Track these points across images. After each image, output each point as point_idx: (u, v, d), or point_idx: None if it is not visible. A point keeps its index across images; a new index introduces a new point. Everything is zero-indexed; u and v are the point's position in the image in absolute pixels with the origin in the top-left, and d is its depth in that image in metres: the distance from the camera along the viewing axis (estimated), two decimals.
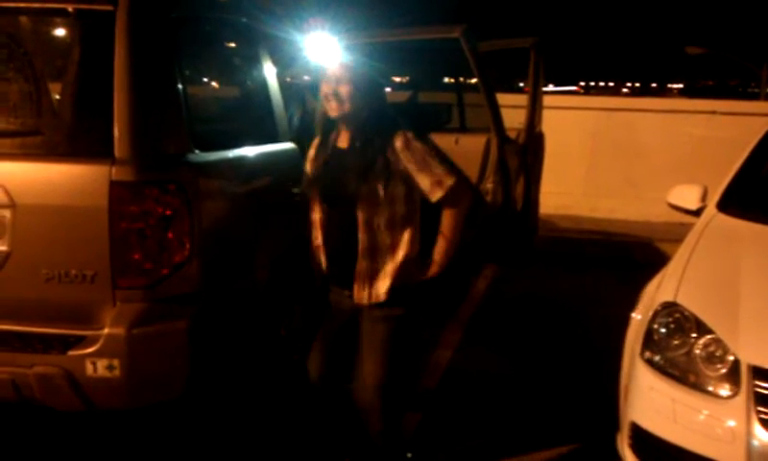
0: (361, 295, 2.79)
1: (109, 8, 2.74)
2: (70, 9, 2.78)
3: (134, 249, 2.67)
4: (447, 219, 2.79)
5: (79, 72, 2.80)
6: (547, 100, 6.82)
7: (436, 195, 2.72)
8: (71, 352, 2.64)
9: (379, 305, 2.79)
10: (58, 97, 2.85)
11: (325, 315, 3.01)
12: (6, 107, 2.79)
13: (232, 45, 3.76)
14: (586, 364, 4.36)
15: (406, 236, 2.78)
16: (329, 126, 2.86)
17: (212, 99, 3.62)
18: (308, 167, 2.95)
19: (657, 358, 2.82)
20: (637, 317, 3.18)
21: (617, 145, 8.53)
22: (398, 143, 2.70)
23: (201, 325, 2.80)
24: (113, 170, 2.63)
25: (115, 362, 2.62)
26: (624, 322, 3.26)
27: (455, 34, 5.01)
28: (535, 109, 6.06)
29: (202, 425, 3.44)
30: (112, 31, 2.71)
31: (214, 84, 3.71)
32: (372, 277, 2.78)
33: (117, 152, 2.65)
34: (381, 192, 2.69)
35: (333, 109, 2.73)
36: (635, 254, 6.97)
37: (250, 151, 3.38)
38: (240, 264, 3.19)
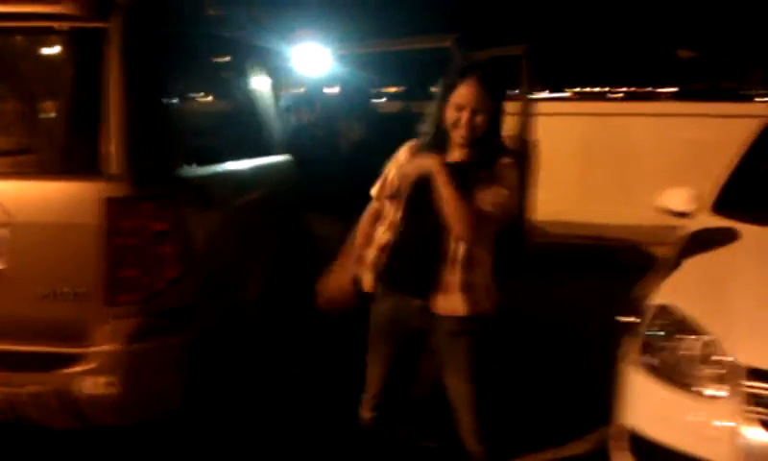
0: (441, 307, 2.64)
1: (101, 25, 2.75)
2: (62, 27, 2.79)
3: (129, 264, 2.68)
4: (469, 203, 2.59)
5: (71, 90, 2.81)
6: (541, 107, 6.83)
7: (486, 204, 2.58)
8: (66, 371, 2.64)
9: (460, 319, 2.65)
10: (51, 115, 2.87)
11: (376, 335, 2.83)
12: (0, 126, 2.80)
13: (225, 59, 3.78)
14: (579, 368, 4.37)
15: (488, 250, 2.69)
16: (442, 145, 2.68)
17: (205, 113, 3.63)
18: (394, 172, 2.76)
19: (651, 360, 2.83)
20: (630, 319, 3.19)
21: (610, 150, 8.54)
22: (506, 160, 2.62)
23: (196, 339, 2.81)
24: (107, 186, 2.65)
25: (111, 379, 2.63)
26: (617, 324, 3.27)
27: (446, 43, 5.05)
28: (526, 117, 6.09)
29: (200, 439, 3.44)
30: (104, 48, 2.73)
31: (207, 98, 3.72)
32: (460, 289, 2.62)
33: (111, 168, 2.66)
34: (480, 207, 2.55)
35: (462, 137, 2.58)
36: (627, 258, 6.98)
37: (243, 164, 3.39)
38: (235, 277, 3.20)
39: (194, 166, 2.96)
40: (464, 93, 2.56)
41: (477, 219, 2.55)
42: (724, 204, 3.65)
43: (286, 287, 3.53)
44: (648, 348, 2.88)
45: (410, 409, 3.69)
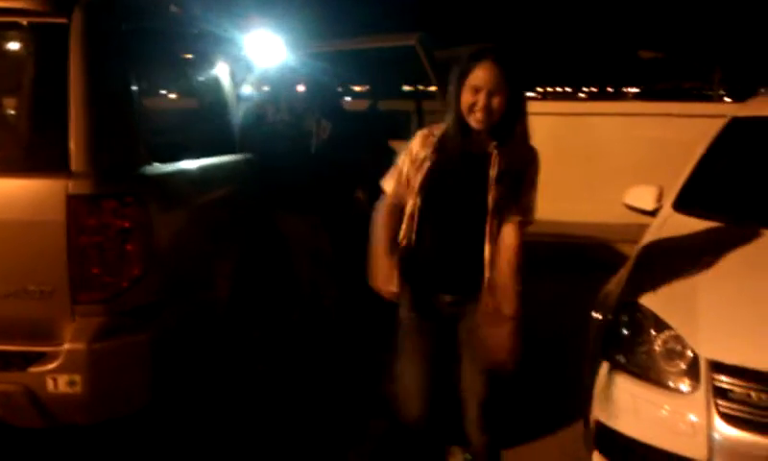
0: (470, 301, 2.59)
1: (63, 21, 2.71)
2: (23, 22, 2.74)
3: (93, 262, 2.64)
4: (511, 248, 2.52)
5: (34, 86, 2.76)
6: None
7: (515, 217, 2.52)
8: (32, 369, 2.60)
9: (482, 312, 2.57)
10: (13, 112, 2.81)
11: (408, 336, 2.75)
12: None
13: (187, 56, 3.73)
14: (548, 364, 4.40)
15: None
16: (462, 133, 2.57)
17: (168, 110, 3.59)
18: (408, 164, 2.65)
19: (618, 356, 2.87)
20: (598, 317, 3.23)
21: (575, 149, 8.63)
22: (531, 156, 2.55)
23: (162, 337, 2.78)
24: (70, 184, 2.60)
25: (76, 377, 2.59)
26: (585, 322, 3.30)
27: (411, 41, 5.04)
28: None
29: (168, 436, 3.39)
30: (66, 44, 2.68)
31: (170, 95, 3.67)
32: (487, 285, 2.55)
33: (74, 165, 2.62)
34: (503, 203, 2.50)
35: (479, 121, 2.49)
36: (593, 255, 7.05)
37: (207, 161, 3.36)
38: (200, 275, 3.17)
39: (158, 163, 2.92)
40: (480, 75, 2.48)
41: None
42: (685, 201, 3.71)
43: (256, 285, 3.51)
44: (615, 343, 2.92)
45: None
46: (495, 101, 2.47)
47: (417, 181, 2.60)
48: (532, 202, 2.55)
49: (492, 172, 2.50)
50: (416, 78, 6.52)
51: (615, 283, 3.31)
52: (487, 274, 2.54)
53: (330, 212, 4.08)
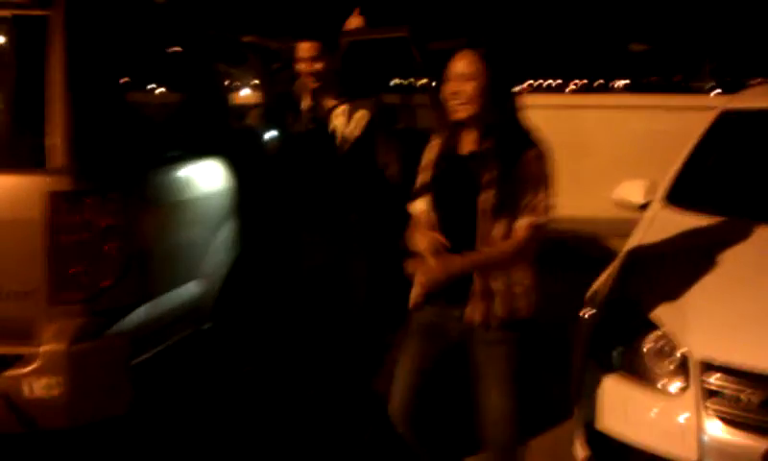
0: (474, 316, 2.49)
1: (43, 13, 2.65)
2: (2, 14, 2.68)
3: (73, 261, 2.59)
4: (508, 244, 2.45)
5: (13, 80, 2.69)
6: None
7: (524, 219, 2.44)
8: (8, 373, 2.55)
9: (495, 326, 2.50)
10: None
11: (413, 336, 2.67)
12: None
13: (174, 50, 3.65)
14: (542, 362, 4.36)
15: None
16: (453, 130, 2.54)
17: (153, 106, 3.50)
18: (423, 173, 2.63)
19: (606, 356, 2.83)
20: (586, 315, 3.19)
21: (564, 143, 8.58)
22: (533, 153, 2.44)
23: (143, 337, 2.73)
24: (50, 180, 2.55)
25: (55, 380, 2.53)
26: (572, 320, 3.26)
27: (403, 33, 4.98)
28: None
29: (152, 439, 3.35)
30: (46, 37, 2.62)
31: (155, 91, 3.58)
32: (491, 296, 2.48)
33: (54, 161, 2.56)
34: (504, 204, 2.41)
35: (457, 111, 2.45)
36: (582, 251, 7.01)
37: (192, 160, 3.28)
38: (185, 276, 3.10)
39: (141, 160, 2.87)
40: (455, 64, 2.45)
41: (521, 246, 2.43)
42: (675, 196, 3.67)
43: (245, 288, 3.45)
44: (603, 342, 2.89)
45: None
46: (469, 86, 2.41)
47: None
48: (542, 201, 2.44)
49: (484, 171, 2.43)
50: (407, 71, 6.45)
51: (604, 281, 3.27)
52: (477, 282, 2.47)
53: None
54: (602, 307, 3.02)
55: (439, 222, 2.54)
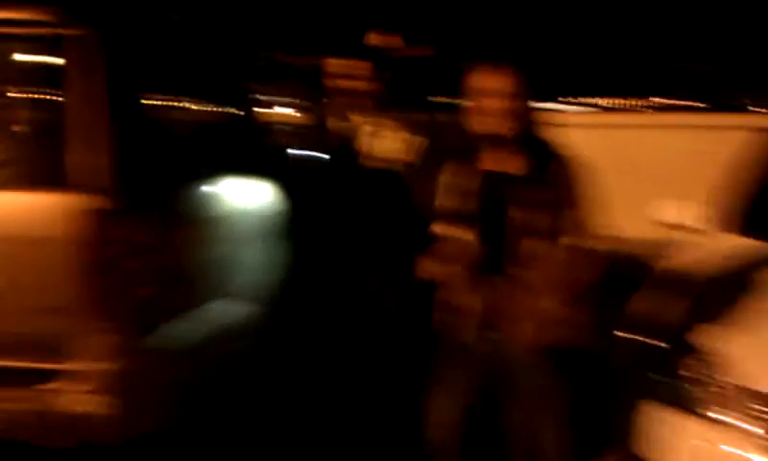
0: (512, 341, 2.42)
1: (83, 32, 2.68)
2: (38, 33, 2.72)
3: (110, 278, 2.59)
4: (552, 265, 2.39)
5: (51, 99, 2.73)
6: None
7: (567, 239, 2.38)
8: (44, 387, 2.56)
9: (537, 355, 2.43)
10: (31, 126, 2.78)
11: (446, 363, 2.58)
12: None
13: (206, 68, 3.63)
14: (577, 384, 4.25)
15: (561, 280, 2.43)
16: (468, 146, 2.48)
17: (189, 125, 3.48)
18: (445, 194, 2.54)
19: (649, 383, 2.72)
20: (627, 337, 3.08)
21: (617, 163, 8.46)
22: (563, 169, 2.38)
23: (180, 355, 2.74)
24: (89, 199, 2.56)
25: (89, 396, 2.55)
26: (615, 345, 3.15)
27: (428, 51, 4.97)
28: None
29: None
30: (84, 56, 2.66)
31: (190, 109, 3.55)
32: (532, 320, 2.40)
33: (92, 180, 2.58)
34: (535, 220, 2.34)
35: (486, 128, 2.38)
36: (625, 271, 6.87)
37: (227, 178, 3.28)
38: (222, 292, 3.09)
39: (176, 178, 2.89)
40: (481, 78, 2.39)
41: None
42: (724, 218, 3.55)
43: (286, 307, 3.43)
44: (653, 369, 2.77)
45: None
46: (500, 102, 2.36)
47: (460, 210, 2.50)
48: (577, 218, 2.39)
49: (513, 187, 2.38)
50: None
51: (649, 302, 3.17)
52: (516, 305, 2.40)
53: None
54: (650, 330, 2.92)
55: (467, 243, 2.46)
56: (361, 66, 3.22)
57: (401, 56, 5.40)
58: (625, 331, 3.09)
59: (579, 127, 8.95)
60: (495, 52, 2.65)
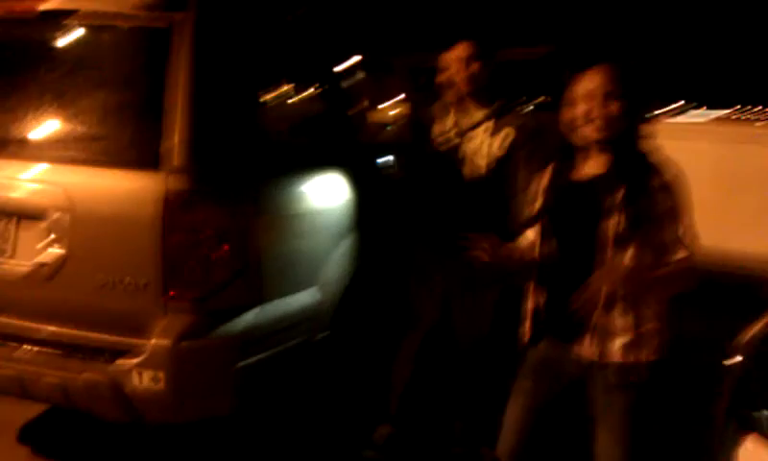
0: (592, 356, 2.30)
1: (172, 18, 2.73)
2: (134, 17, 2.79)
3: (187, 260, 2.61)
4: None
5: (140, 82, 2.78)
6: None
7: (678, 253, 2.21)
8: (119, 362, 2.60)
9: (616, 369, 2.30)
10: (119, 106, 2.80)
11: (526, 374, 2.51)
12: (69, 114, 2.82)
13: (302, 60, 3.60)
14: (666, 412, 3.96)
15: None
16: (567, 151, 2.38)
17: (276, 115, 3.46)
18: (536, 198, 2.48)
19: (751, 415, 2.48)
20: (732, 364, 2.82)
21: (748, 177, 7.93)
22: (657, 181, 2.21)
23: (251, 341, 2.72)
24: (169, 179, 2.59)
25: (160, 374, 2.56)
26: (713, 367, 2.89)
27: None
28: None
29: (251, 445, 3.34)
30: (173, 41, 2.69)
31: (280, 100, 3.51)
32: (613, 334, 2.28)
33: (174, 161, 2.60)
34: (631, 231, 2.20)
35: (589, 134, 2.26)
36: (737, 292, 6.39)
37: (313, 172, 3.22)
38: (297, 283, 3.03)
39: (259, 167, 2.87)
40: (587, 81, 2.26)
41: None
42: None
43: (362, 302, 3.38)
44: (749, 398, 2.54)
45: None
46: (612, 108, 2.22)
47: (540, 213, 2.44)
48: (687, 233, 2.21)
49: (607, 196, 2.23)
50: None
51: (759, 328, 2.89)
52: (597, 317, 2.26)
53: None
54: (751, 358, 2.67)
55: (554, 253, 2.37)
56: (464, 47, 3.09)
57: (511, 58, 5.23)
58: (734, 356, 2.85)
59: (690, 137, 8.50)
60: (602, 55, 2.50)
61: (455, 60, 3.10)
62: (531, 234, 2.49)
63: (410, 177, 3.48)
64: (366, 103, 4.08)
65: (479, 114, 3.14)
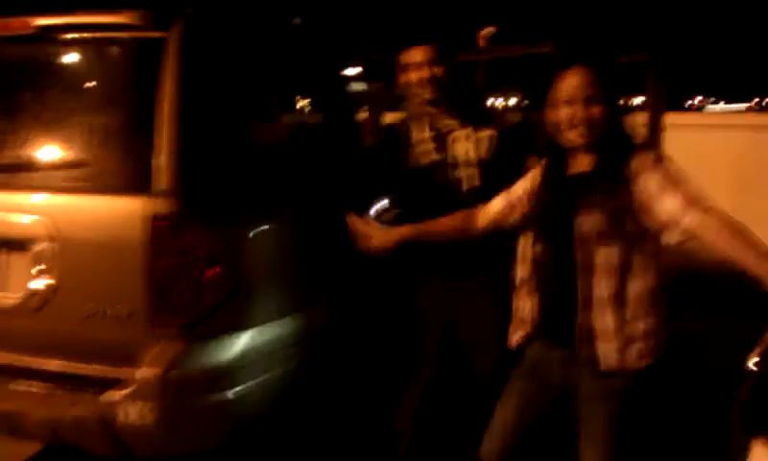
0: (578, 360, 2.25)
1: (159, 35, 2.64)
2: (120, 37, 2.72)
3: (176, 284, 2.52)
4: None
5: (123, 103, 2.70)
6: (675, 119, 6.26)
7: (690, 214, 2.05)
8: (107, 394, 2.51)
9: (602, 375, 2.23)
10: (104, 129, 2.71)
11: (518, 374, 2.48)
12: (51, 140, 2.75)
13: (299, 77, 3.49)
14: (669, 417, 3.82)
15: (642, 292, 2.22)
16: (557, 154, 2.32)
17: (269, 135, 3.34)
18: (526, 199, 2.43)
19: None
20: (754, 371, 2.67)
21: (735, 166, 7.72)
22: (637, 164, 2.15)
23: (244, 367, 2.63)
24: (155, 203, 2.51)
25: (148, 406, 2.47)
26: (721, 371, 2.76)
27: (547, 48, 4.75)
28: (655, 130, 5.57)
29: None
30: (160, 59, 2.60)
31: (274, 119, 3.40)
32: (600, 336, 2.20)
33: (159, 185, 2.52)
34: (612, 226, 2.15)
35: (574, 139, 2.21)
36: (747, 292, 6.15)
37: (308, 192, 3.12)
38: (289, 307, 2.92)
39: (252, 188, 2.79)
40: (566, 83, 2.20)
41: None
42: None
43: (356, 325, 3.28)
44: None
45: None
46: (595, 110, 2.17)
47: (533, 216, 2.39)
48: (684, 195, 2.07)
49: (585, 192, 2.21)
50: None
51: None
52: (582, 318, 2.21)
53: None
54: None
55: (545, 254, 2.32)
56: (423, 50, 2.87)
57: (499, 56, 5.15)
58: (756, 363, 2.70)
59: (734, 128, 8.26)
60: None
61: (414, 64, 2.89)
62: (522, 234, 2.44)
63: (401, 200, 3.25)
64: (365, 113, 3.98)
65: (452, 121, 2.94)
